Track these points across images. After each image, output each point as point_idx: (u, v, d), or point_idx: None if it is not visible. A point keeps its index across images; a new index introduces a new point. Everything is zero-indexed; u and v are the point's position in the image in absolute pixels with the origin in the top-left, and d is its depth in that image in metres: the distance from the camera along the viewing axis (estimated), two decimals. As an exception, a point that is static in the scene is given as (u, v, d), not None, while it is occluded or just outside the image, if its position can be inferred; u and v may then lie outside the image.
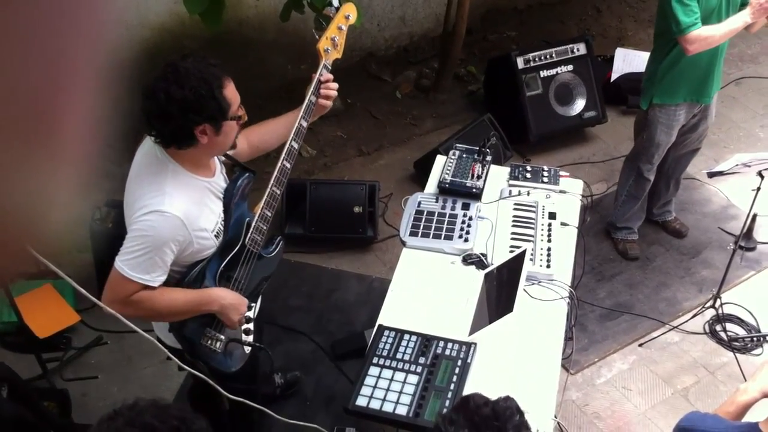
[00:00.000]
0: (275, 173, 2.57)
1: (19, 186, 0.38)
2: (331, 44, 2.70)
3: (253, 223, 2.56)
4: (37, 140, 0.38)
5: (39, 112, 0.37)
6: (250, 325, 2.66)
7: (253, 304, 2.66)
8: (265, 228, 2.59)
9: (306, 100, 2.62)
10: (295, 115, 2.62)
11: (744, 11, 3.67)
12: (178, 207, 2.28)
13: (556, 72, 5.17)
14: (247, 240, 2.55)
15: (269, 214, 2.59)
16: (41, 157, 0.38)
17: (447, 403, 2.55)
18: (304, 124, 2.63)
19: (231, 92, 2.32)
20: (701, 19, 3.64)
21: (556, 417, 2.75)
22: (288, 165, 2.59)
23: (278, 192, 2.59)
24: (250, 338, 2.70)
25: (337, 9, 2.73)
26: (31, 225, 0.40)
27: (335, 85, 2.69)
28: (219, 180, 2.53)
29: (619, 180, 4.52)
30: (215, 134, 2.31)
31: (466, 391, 2.53)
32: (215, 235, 2.46)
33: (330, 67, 2.71)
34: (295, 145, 2.61)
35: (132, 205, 2.31)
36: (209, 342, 2.56)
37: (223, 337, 2.58)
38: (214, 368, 2.58)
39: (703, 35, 3.64)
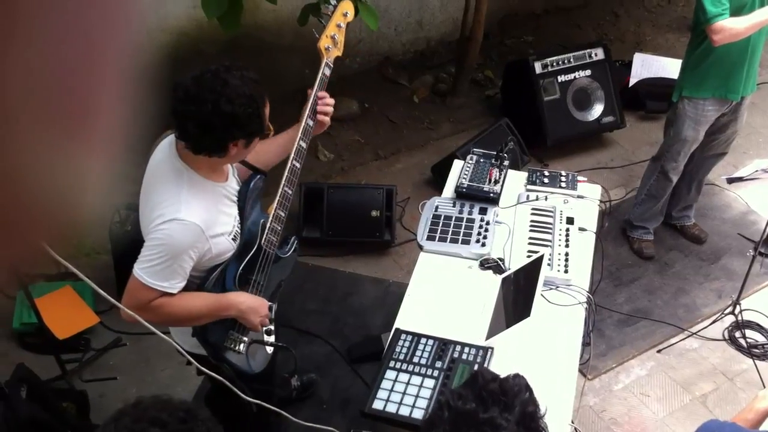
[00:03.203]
0: (286, 173, 2.61)
1: (53, 176, 0.39)
2: (332, 42, 2.73)
3: (268, 224, 2.58)
4: (71, 129, 0.39)
5: (73, 100, 0.38)
6: (272, 326, 2.68)
7: (273, 305, 2.67)
8: (279, 228, 2.61)
9: (303, 122, 2.63)
10: (292, 134, 2.63)
11: None
12: (196, 214, 2.29)
13: (574, 77, 5.16)
14: (263, 241, 2.56)
15: (282, 215, 2.62)
16: (74, 147, 0.39)
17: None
18: (304, 145, 2.66)
19: (267, 110, 2.36)
20: (733, 12, 3.65)
21: (573, 422, 2.74)
22: (298, 165, 2.62)
23: (290, 192, 2.63)
24: (272, 339, 2.72)
25: (335, 7, 2.77)
26: (62, 214, 0.40)
27: (331, 101, 2.70)
28: (232, 183, 2.55)
29: (642, 178, 4.51)
30: (244, 148, 2.35)
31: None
32: (232, 239, 2.47)
33: (332, 66, 2.73)
34: (303, 144, 2.65)
35: (149, 214, 2.32)
36: (232, 344, 2.57)
37: (246, 339, 2.60)
38: (238, 370, 2.59)
39: (727, 26, 3.64)
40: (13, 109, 0.36)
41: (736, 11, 3.67)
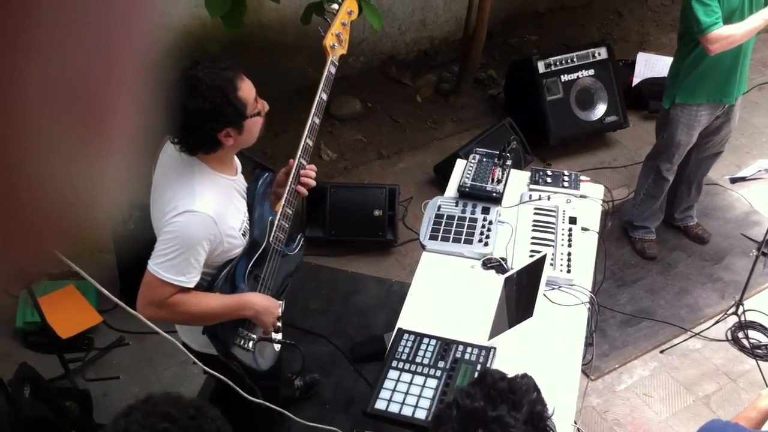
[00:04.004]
0: (293, 171, 2.62)
1: (71, 181, 0.39)
2: (336, 40, 2.74)
3: (276, 221, 2.58)
4: (90, 133, 0.39)
5: (92, 103, 0.38)
6: (280, 323, 2.69)
7: (281, 303, 2.68)
8: (287, 226, 2.63)
9: (288, 187, 2.63)
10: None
11: (764, 9, 3.66)
12: (209, 205, 2.31)
13: (577, 76, 5.15)
14: (271, 238, 2.57)
15: (290, 212, 2.63)
16: (92, 151, 0.39)
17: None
18: (310, 143, 2.67)
19: (245, 92, 2.33)
20: (724, 19, 3.62)
21: (576, 423, 2.74)
22: (304, 162, 2.65)
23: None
24: (280, 336, 2.73)
25: (339, 5, 2.78)
26: (78, 220, 0.41)
27: (312, 174, 2.70)
28: (241, 179, 2.57)
29: (639, 179, 4.51)
30: (239, 134, 2.35)
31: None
32: (242, 234, 2.49)
33: (337, 64, 2.74)
34: (309, 142, 2.67)
35: (162, 208, 2.32)
36: (242, 341, 2.58)
37: (254, 336, 2.61)
38: (246, 367, 2.60)
39: (724, 34, 3.62)
40: (34, 114, 0.36)
41: (728, 17, 3.65)
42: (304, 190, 2.68)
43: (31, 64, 0.35)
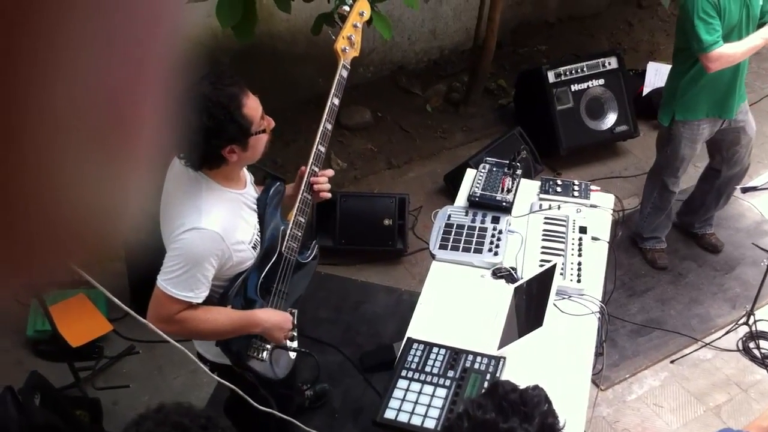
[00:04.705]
0: (306, 178, 2.60)
1: (97, 195, 0.39)
2: (348, 43, 2.69)
3: (288, 231, 2.57)
4: (117, 145, 0.39)
5: (120, 116, 0.39)
6: (294, 332, 2.68)
7: (295, 311, 2.67)
8: (299, 234, 2.60)
9: (300, 195, 2.61)
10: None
11: (764, 28, 3.67)
12: (215, 222, 2.30)
13: (588, 86, 5.15)
14: (283, 248, 2.56)
15: (302, 221, 2.61)
16: (119, 164, 0.40)
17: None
18: (322, 149, 2.64)
19: (250, 109, 2.30)
20: (723, 36, 3.62)
21: (585, 433, 2.73)
22: (317, 170, 2.63)
23: (309, 198, 2.63)
24: (295, 344, 2.72)
25: (351, 7, 2.73)
26: (101, 234, 0.41)
27: (325, 180, 2.66)
28: (250, 191, 2.55)
29: (643, 193, 4.50)
30: (243, 151, 2.33)
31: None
32: (252, 247, 2.47)
33: (349, 67, 2.69)
34: (322, 149, 2.64)
35: (170, 224, 2.33)
36: (255, 352, 2.58)
37: (269, 346, 2.61)
38: (263, 377, 2.60)
39: (725, 53, 3.63)
40: (63, 128, 0.36)
41: (727, 34, 3.65)
42: (327, 195, 2.65)
43: (60, 77, 0.35)
